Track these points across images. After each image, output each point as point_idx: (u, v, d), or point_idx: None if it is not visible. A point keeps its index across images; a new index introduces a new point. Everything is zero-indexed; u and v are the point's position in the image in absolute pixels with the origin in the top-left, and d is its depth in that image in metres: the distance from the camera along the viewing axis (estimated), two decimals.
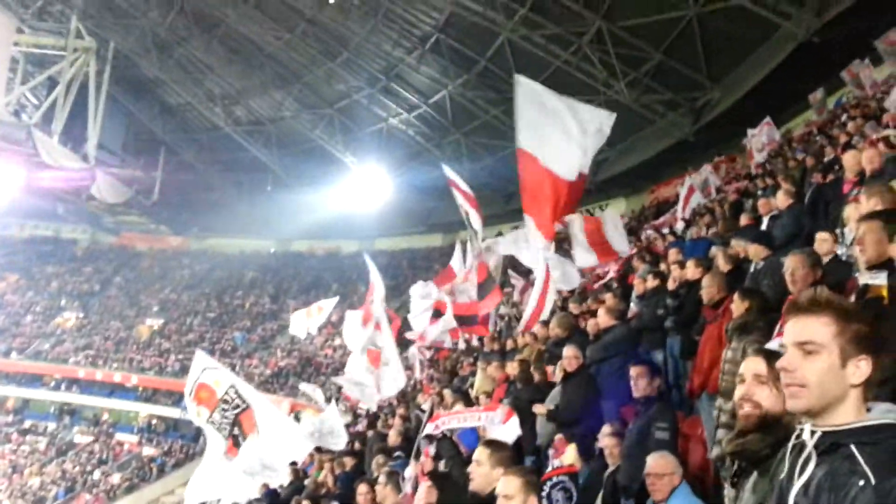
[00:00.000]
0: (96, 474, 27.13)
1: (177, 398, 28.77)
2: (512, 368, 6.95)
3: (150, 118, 33.53)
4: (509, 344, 9.86)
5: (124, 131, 32.42)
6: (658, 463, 3.39)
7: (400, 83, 27.20)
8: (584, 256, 7.66)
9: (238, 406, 8.88)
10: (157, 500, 25.79)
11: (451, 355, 14.36)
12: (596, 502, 4.14)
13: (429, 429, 4.63)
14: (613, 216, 8.51)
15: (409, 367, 11.88)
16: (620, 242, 8.05)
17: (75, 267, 39.34)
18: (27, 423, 30.81)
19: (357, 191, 31.60)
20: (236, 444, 8.94)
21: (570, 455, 2.69)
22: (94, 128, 27.28)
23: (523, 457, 4.69)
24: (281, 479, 8.62)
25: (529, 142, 6.43)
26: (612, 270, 10.31)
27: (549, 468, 2.54)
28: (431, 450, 4.59)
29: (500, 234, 22.73)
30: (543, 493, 2.54)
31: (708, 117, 20.16)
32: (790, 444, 1.42)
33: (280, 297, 35.62)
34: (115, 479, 26.70)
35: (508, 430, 4.55)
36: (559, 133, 6.35)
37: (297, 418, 15.29)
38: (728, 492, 1.95)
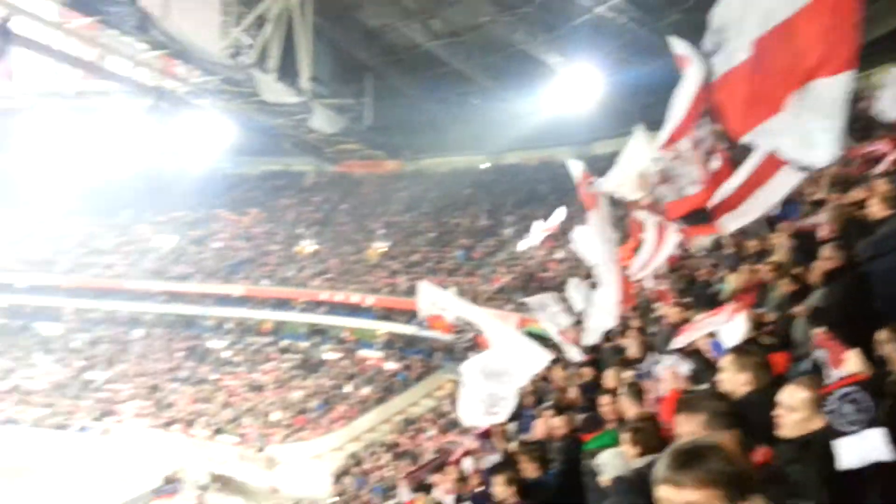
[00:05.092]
0: (347, 388, 31.36)
1: (410, 316, 31.65)
2: (763, 272, 6.63)
3: (353, 45, 35.58)
4: (751, 245, 9.41)
5: (332, 61, 34.94)
6: None
7: None
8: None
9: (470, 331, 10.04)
10: (403, 410, 29.24)
11: (685, 261, 14.13)
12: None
13: (674, 343, 4.80)
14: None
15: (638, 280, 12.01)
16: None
17: (305, 197, 44.07)
18: (283, 343, 36.09)
19: (567, 93, 31.18)
20: None
21: (853, 362, 2.65)
22: (305, 61, 29.63)
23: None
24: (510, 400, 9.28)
25: None
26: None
27: (828, 379, 2.54)
28: (681, 367, 4.69)
29: None
30: (829, 407, 2.49)
31: None
32: None
33: (496, 213, 37.04)
34: (365, 391, 30.66)
35: (735, 327, 4.45)
36: None
37: (529, 333, 16.17)
38: None
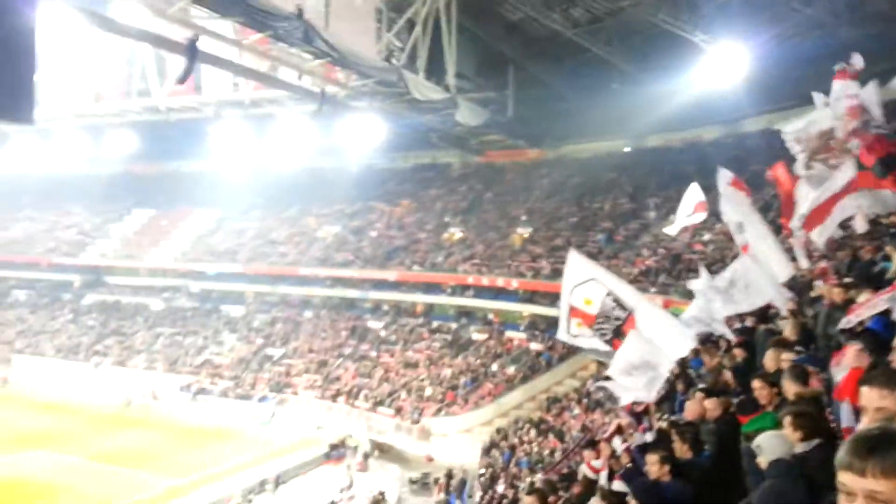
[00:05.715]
0: (494, 366, 31.96)
1: (552, 298, 31.72)
2: None
3: (495, 39, 35.74)
4: None
5: (475, 57, 35.34)
6: None
7: None
8: None
9: (618, 318, 9.56)
10: (548, 389, 29.43)
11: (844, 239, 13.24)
12: None
13: (844, 323, 4.60)
14: None
15: (792, 259, 11.46)
16: None
17: (452, 187, 45.08)
18: (434, 324, 37.29)
19: (712, 71, 29.60)
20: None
21: None
22: (450, 59, 30.17)
23: None
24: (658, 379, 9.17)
25: None
26: None
27: None
28: (856, 344, 4.44)
29: None
30: None
31: None
32: None
33: (638, 196, 36.06)
34: (511, 370, 31.11)
35: None
36: None
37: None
38: None
